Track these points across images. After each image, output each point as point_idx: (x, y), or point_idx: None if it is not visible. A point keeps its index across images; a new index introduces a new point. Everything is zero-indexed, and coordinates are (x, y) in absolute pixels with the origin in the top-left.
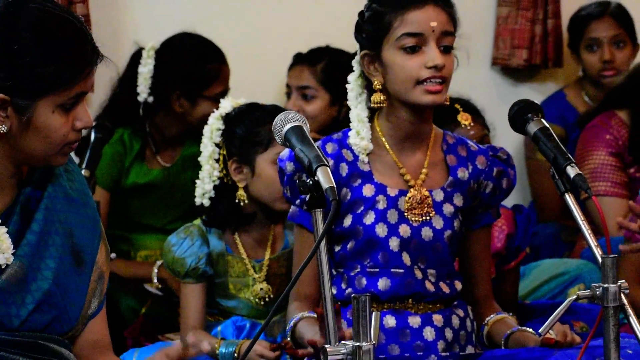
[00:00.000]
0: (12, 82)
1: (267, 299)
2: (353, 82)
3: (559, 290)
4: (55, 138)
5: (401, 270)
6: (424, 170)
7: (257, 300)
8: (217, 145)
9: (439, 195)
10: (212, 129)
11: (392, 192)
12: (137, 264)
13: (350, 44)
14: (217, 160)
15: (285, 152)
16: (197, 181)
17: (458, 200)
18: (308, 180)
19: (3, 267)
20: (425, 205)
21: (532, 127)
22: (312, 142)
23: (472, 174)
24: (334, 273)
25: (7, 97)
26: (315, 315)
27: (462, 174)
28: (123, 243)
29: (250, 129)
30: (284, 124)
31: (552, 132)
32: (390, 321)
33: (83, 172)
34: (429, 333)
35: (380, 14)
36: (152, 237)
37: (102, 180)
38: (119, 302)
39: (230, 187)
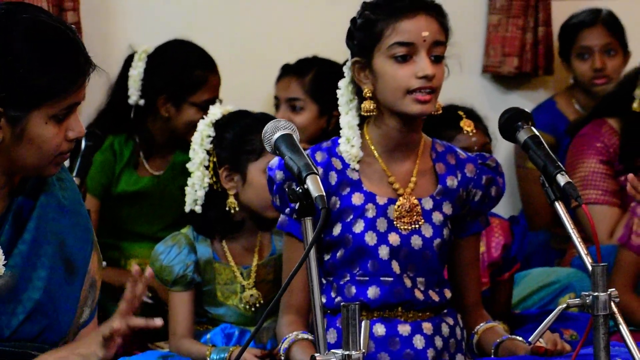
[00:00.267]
0: (5, 93)
1: (257, 305)
2: (344, 88)
3: (549, 299)
4: (48, 149)
5: (390, 279)
6: (413, 179)
7: (247, 306)
8: (207, 152)
9: (428, 204)
10: (203, 136)
11: (382, 200)
12: (126, 272)
13: (340, 53)
14: (207, 167)
15: (275, 160)
16: (186, 188)
17: (447, 208)
18: (297, 189)
19: None
20: (415, 214)
21: (522, 135)
22: (302, 150)
23: (461, 182)
24: (324, 282)
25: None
26: (310, 338)
27: (451, 182)
28: (113, 251)
29: (242, 136)
30: (273, 132)
31: (542, 140)
32: (380, 329)
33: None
34: (418, 341)
35: (372, 22)
36: (143, 245)
37: (92, 188)
38: (109, 310)
39: (220, 194)
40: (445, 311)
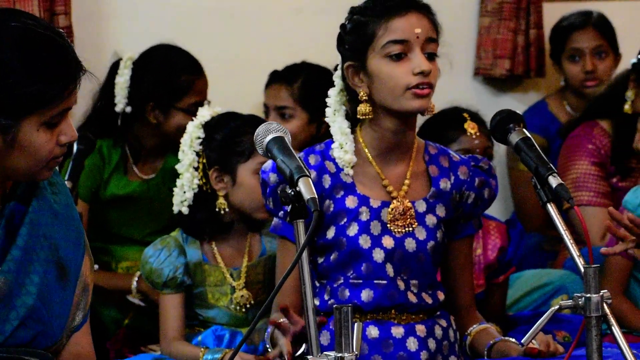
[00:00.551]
0: None
1: (247, 306)
2: (333, 97)
3: (542, 301)
4: (40, 155)
5: (384, 282)
6: (406, 182)
7: (237, 307)
8: (197, 153)
9: (421, 206)
10: (192, 137)
11: (375, 203)
12: (118, 275)
13: (331, 58)
14: (197, 169)
15: (268, 163)
16: (175, 189)
17: (440, 211)
18: (290, 191)
19: None
20: (408, 217)
21: (514, 137)
22: (294, 153)
23: (454, 184)
24: (317, 284)
25: None
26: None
27: (444, 184)
28: (104, 255)
29: (231, 138)
30: (265, 134)
31: (534, 142)
32: (373, 332)
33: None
34: (412, 343)
35: (363, 24)
36: (133, 248)
37: (81, 192)
38: (101, 313)
39: (209, 195)
40: (438, 313)
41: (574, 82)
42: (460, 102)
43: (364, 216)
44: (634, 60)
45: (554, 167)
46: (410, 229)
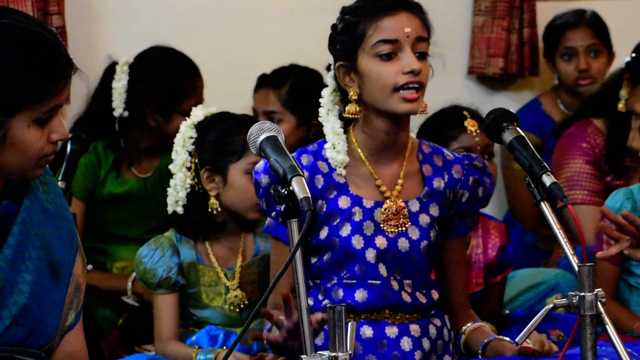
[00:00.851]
0: None
1: (241, 306)
2: (326, 97)
3: (536, 300)
4: (31, 152)
5: (378, 282)
6: (399, 181)
7: (231, 307)
8: (189, 153)
9: (414, 206)
10: (185, 137)
11: (368, 203)
12: (113, 276)
13: (325, 58)
14: (189, 169)
15: (261, 164)
16: (168, 189)
17: (434, 210)
18: (283, 191)
19: None
20: (401, 216)
21: (508, 136)
22: (287, 152)
23: (448, 183)
24: (311, 284)
25: None
26: None
27: (438, 183)
28: (99, 254)
29: (223, 137)
30: (258, 134)
31: (528, 141)
32: (367, 331)
33: (59, 184)
34: (406, 343)
35: (354, 24)
36: (128, 248)
37: (77, 191)
38: (96, 313)
39: (201, 195)
40: (432, 312)
41: (568, 80)
42: (454, 101)
43: (357, 216)
44: (628, 58)
45: (547, 166)
46: (404, 228)
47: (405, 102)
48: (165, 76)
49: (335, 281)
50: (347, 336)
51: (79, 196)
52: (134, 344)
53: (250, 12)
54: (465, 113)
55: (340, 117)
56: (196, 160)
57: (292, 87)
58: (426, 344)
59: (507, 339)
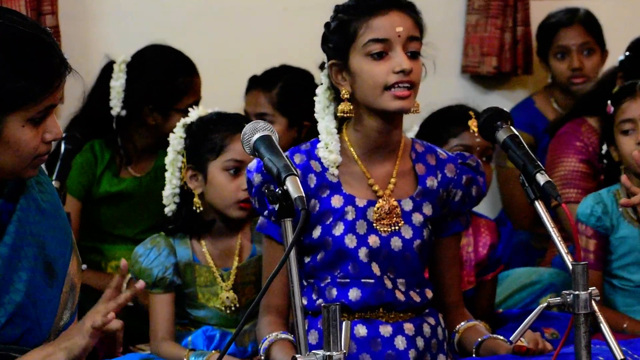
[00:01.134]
0: None
1: (233, 308)
2: (321, 95)
3: (531, 299)
4: (25, 152)
5: (371, 281)
6: (392, 180)
7: (224, 308)
8: (179, 153)
9: (407, 205)
10: (176, 137)
11: (361, 202)
12: (108, 276)
13: (317, 56)
14: (181, 169)
15: (253, 163)
16: (164, 190)
17: (427, 209)
18: (277, 190)
19: None
20: (394, 215)
21: (502, 135)
22: (281, 151)
23: (441, 182)
24: (305, 284)
25: None
26: (290, 338)
27: (431, 182)
28: (94, 253)
29: (203, 136)
30: (252, 133)
31: (522, 140)
32: (362, 330)
33: (53, 183)
34: (400, 342)
35: (346, 23)
36: (123, 247)
37: (73, 189)
38: None
39: (190, 194)
40: (426, 311)
41: (561, 79)
42: (447, 99)
43: (350, 215)
44: (622, 57)
45: (541, 165)
46: (397, 227)
47: (396, 100)
48: (164, 74)
49: (329, 280)
50: (341, 335)
51: (75, 194)
52: (128, 344)
53: (244, 11)
54: (471, 113)
55: (335, 116)
56: (184, 160)
57: (282, 89)
58: (420, 342)
59: (501, 337)
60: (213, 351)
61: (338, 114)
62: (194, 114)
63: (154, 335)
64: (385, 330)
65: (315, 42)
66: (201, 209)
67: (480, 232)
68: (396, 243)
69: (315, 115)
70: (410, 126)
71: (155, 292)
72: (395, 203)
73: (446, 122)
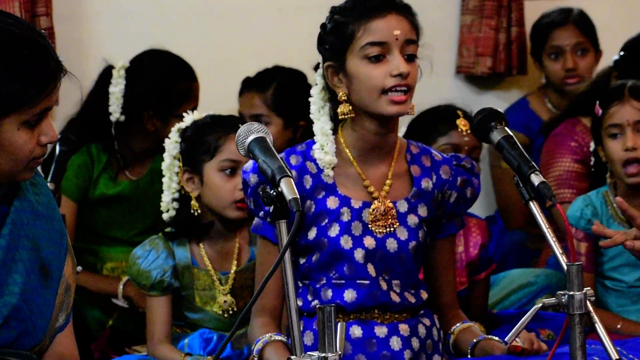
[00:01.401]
0: None
1: (231, 312)
2: (316, 96)
3: (527, 300)
4: (21, 154)
5: (367, 282)
6: (387, 182)
7: (221, 312)
8: (175, 157)
9: (403, 207)
10: (172, 142)
11: (356, 204)
12: (104, 278)
13: (312, 57)
14: (178, 174)
15: (249, 164)
16: (162, 196)
17: (422, 210)
18: (272, 192)
19: None
20: (389, 217)
21: (496, 136)
22: (276, 153)
23: (436, 184)
24: (300, 285)
25: None
26: (283, 340)
27: (426, 184)
28: (89, 255)
29: (198, 138)
30: (247, 135)
31: (516, 140)
32: (357, 331)
33: (48, 185)
34: (395, 343)
35: (343, 25)
36: (119, 249)
37: (69, 191)
38: (86, 314)
39: (188, 197)
40: (422, 312)
41: (555, 79)
42: (442, 100)
43: (345, 217)
44: (616, 57)
45: (536, 165)
46: (392, 229)
47: (393, 105)
48: (164, 80)
49: (324, 281)
50: (336, 336)
51: (71, 196)
52: (124, 345)
53: (239, 12)
54: (459, 112)
55: (331, 117)
56: (181, 164)
57: (276, 90)
58: (415, 343)
59: (496, 338)
60: (209, 357)
61: (339, 117)
62: (188, 118)
63: (150, 337)
64: (381, 331)
65: (311, 44)
66: (199, 211)
67: (471, 231)
68: (391, 244)
69: (310, 116)
70: (399, 126)
71: (152, 294)
72: (390, 204)
73: (434, 121)
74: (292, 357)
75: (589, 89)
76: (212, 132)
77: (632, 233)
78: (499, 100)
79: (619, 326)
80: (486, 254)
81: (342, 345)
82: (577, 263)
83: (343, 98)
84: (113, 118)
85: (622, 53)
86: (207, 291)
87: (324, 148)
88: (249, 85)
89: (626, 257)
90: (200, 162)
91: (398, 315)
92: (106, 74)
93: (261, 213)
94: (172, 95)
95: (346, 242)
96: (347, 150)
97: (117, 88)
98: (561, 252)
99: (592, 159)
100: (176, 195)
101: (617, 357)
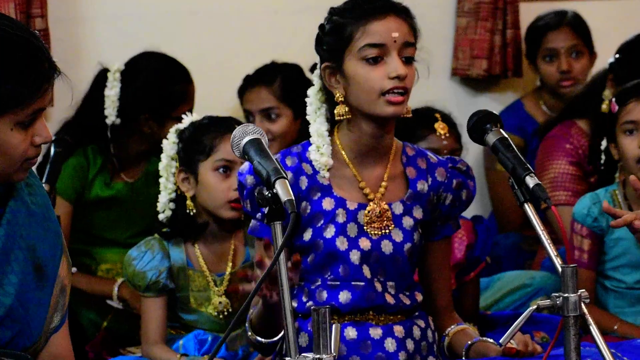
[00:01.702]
0: None
1: (225, 313)
2: (313, 97)
3: (521, 302)
4: (15, 155)
5: (362, 283)
6: (383, 184)
7: (216, 313)
8: (172, 158)
9: (398, 209)
10: (169, 143)
11: (352, 205)
12: (99, 280)
13: (308, 58)
14: (174, 173)
15: (245, 165)
16: (159, 197)
17: (418, 213)
18: (267, 193)
19: None
20: (385, 219)
21: (491, 138)
22: (271, 154)
23: (432, 186)
24: (295, 286)
25: None
26: None
27: (422, 186)
28: (84, 256)
29: (194, 139)
30: (242, 137)
31: (511, 143)
32: (351, 333)
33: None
34: (390, 344)
35: (342, 26)
36: (114, 250)
37: (65, 192)
38: (80, 315)
39: (184, 198)
40: (416, 314)
41: (550, 82)
42: (438, 102)
43: (341, 218)
44: (612, 59)
45: (531, 168)
46: (387, 231)
47: (390, 105)
48: (159, 83)
49: (319, 283)
50: (331, 338)
51: (67, 197)
52: (118, 346)
53: (234, 13)
54: (437, 115)
55: (327, 118)
56: (177, 164)
57: (283, 82)
58: (410, 345)
59: (491, 340)
60: (204, 357)
61: (336, 117)
62: (186, 120)
63: (145, 339)
64: (375, 332)
65: (307, 45)
66: (194, 211)
67: (456, 233)
68: (387, 246)
69: (307, 117)
70: None
71: (147, 295)
72: (386, 206)
73: (413, 126)
74: (287, 358)
75: (584, 91)
76: (208, 133)
77: None
78: (494, 103)
79: (615, 327)
80: (473, 254)
81: (336, 346)
82: (571, 265)
83: (340, 99)
84: (109, 121)
85: (617, 55)
86: (202, 292)
87: (319, 149)
88: (254, 81)
89: (628, 258)
90: (195, 161)
91: (393, 317)
92: (101, 77)
93: (258, 215)
94: (167, 97)
95: (342, 244)
96: (343, 152)
97: (112, 91)
98: (556, 254)
99: (603, 156)
100: (173, 195)
101: None
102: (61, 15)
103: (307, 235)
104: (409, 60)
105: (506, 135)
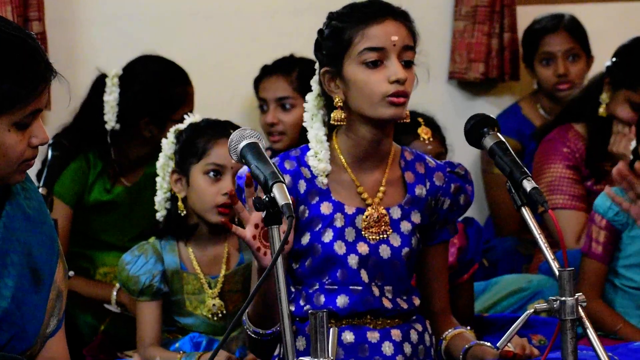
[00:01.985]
0: None
1: (219, 315)
2: (311, 102)
3: (519, 306)
4: (11, 156)
5: (359, 288)
6: (381, 189)
7: (210, 315)
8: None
9: (396, 213)
10: (168, 143)
11: (350, 210)
12: (97, 284)
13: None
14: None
15: (244, 169)
16: (155, 196)
17: (416, 217)
18: (264, 197)
19: None
20: (383, 224)
21: (488, 141)
22: (268, 158)
23: (430, 190)
24: (293, 290)
25: None
26: None
27: (420, 191)
28: (82, 260)
29: (189, 141)
30: (239, 140)
31: (508, 146)
32: (349, 336)
33: (40, 190)
34: (387, 348)
35: (341, 30)
36: (112, 254)
37: (65, 196)
38: (78, 319)
39: (176, 198)
40: (414, 318)
41: (547, 85)
42: (435, 106)
43: (339, 222)
44: (609, 63)
45: (528, 171)
46: (385, 235)
47: (391, 107)
48: (158, 87)
49: (317, 287)
50: (328, 342)
51: (66, 201)
52: (116, 350)
53: (232, 15)
54: (420, 120)
55: (324, 123)
56: (173, 165)
57: (301, 73)
58: (407, 348)
59: (488, 344)
60: (202, 352)
61: (332, 122)
62: (187, 120)
63: (140, 343)
64: (373, 336)
65: (305, 48)
66: (184, 212)
67: None
68: (384, 251)
69: (304, 123)
70: None
71: (142, 299)
72: (384, 211)
73: (396, 132)
74: None
75: (581, 95)
76: (202, 136)
77: None
78: (491, 106)
79: (619, 327)
80: (465, 257)
81: (334, 350)
82: (569, 269)
83: (339, 104)
84: (108, 127)
85: (614, 59)
86: (196, 295)
87: (317, 155)
88: (273, 70)
89: None
90: (188, 164)
91: (390, 321)
92: (99, 82)
93: None
94: (167, 100)
95: (340, 248)
96: (342, 157)
97: (111, 97)
98: (553, 257)
99: (631, 156)
100: (168, 195)
101: None
102: (58, 17)
103: (305, 239)
104: (408, 64)
105: (503, 139)
